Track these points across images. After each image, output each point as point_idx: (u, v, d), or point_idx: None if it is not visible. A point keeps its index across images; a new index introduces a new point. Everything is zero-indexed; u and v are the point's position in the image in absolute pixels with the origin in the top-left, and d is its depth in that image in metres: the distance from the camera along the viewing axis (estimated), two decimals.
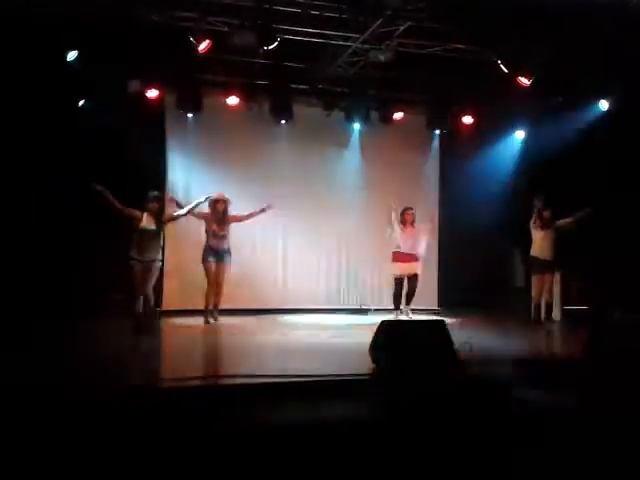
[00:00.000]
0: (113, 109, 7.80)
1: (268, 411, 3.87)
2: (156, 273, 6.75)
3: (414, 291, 8.52)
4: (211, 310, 7.76)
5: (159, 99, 8.51)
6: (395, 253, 8.43)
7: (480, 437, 3.41)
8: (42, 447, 3.05)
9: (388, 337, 4.76)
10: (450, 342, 4.81)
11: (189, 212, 7.27)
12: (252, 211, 7.97)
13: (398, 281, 8.48)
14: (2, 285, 7.14)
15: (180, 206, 7.50)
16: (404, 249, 8.37)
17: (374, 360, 4.75)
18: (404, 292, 8.54)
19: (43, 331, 6.43)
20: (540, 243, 8.00)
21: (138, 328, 6.42)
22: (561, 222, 7.97)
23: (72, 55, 7.37)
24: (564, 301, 8.67)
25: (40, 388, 3.78)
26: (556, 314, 8.39)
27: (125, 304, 7.01)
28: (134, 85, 8.19)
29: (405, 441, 3.39)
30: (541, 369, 4.84)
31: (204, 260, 7.65)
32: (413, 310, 8.64)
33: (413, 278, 8.47)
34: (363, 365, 4.75)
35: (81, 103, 8.04)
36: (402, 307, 8.52)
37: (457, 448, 3.29)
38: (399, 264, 8.41)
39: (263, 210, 7.92)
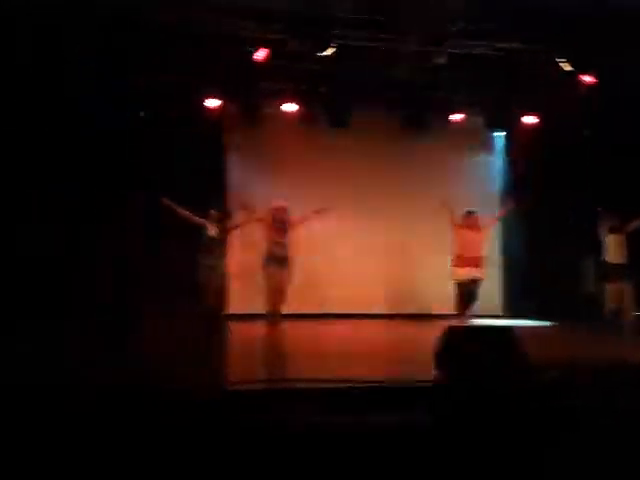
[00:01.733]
0: (174, 119, 8.01)
1: (329, 417, 3.85)
2: (221, 277, 6.89)
3: (476, 296, 8.33)
4: (273, 314, 7.83)
5: (219, 108, 8.66)
6: (457, 257, 8.26)
7: (548, 447, 3.28)
8: (112, 446, 3.12)
9: (452, 343, 4.65)
10: (518, 349, 4.66)
11: (252, 219, 7.36)
12: (305, 214, 7.93)
13: (460, 286, 8.30)
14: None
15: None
16: (466, 253, 8.20)
17: (437, 366, 4.66)
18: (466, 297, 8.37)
19: (110, 331, 6.64)
20: (612, 248, 7.73)
21: (205, 330, 6.58)
22: (633, 224, 7.69)
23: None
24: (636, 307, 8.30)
25: (107, 388, 3.88)
26: (627, 320, 8.05)
27: (193, 307, 7.17)
28: (193, 95, 8.38)
29: (469, 449, 3.31)
30: (614, 377, 4.64)
31: (265, 267, 7.73)
32: (475, 316, 8.45)
33: (475, 283, 8.28)
34: (426, 372, 4.67)
35: (142, 114, 8.27)
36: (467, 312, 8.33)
37: (524, 457, 3.19)
38: (461, 268, 8.24)
39: (317, 212, 7.89)
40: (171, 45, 7.29)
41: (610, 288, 7.78)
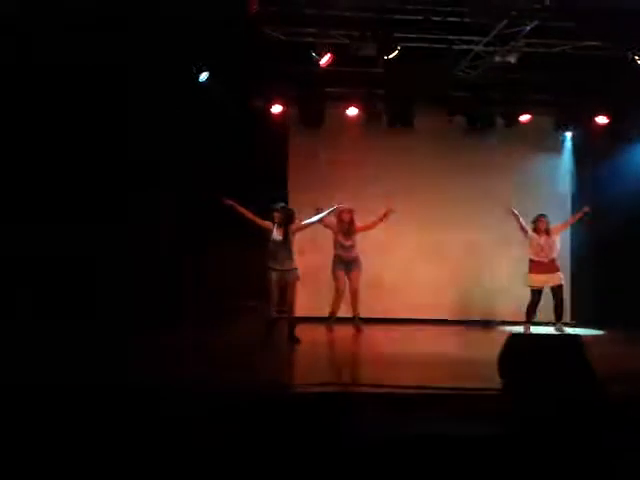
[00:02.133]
0: (240, 125, 8.19)
1: (394, 423, 3.86)
2: (295, 282, 6.95)
3: (561, 303, 8.09)
4: (333, 318, 7.89)
5: (283, 114, 8.77)
6: (532, 262, 8.05)
7: (615, 458, 3.18)
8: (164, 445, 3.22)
9: (516, 351, 4.56)
10: (586, 359, 4.52)
11: (317, 222, 7.42)
12: (375, 219, 7.97)
13: (534, 292, 8.08)
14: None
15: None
16: (539, 258, 7.98)
17: (502, 375, 4.57)
18: (551, 305, 8.17)
19: (172, 333, 6.84)
20: None
21: (271, 334, 6.70)
22: None
23: (204, 76, 7.78)
24: None
25: (170, 389, 4.01)
26: None
27: (260, 310, 7.29)
28: (258, 101, 8.53)
29: (534, 458, 3.25)
30: None
31: (334, 270, 7.85)
32: (544, 324, 8.21)
33: (557, 289, 8.04)
34: (492, 379, 4.60)
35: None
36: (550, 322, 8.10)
37: (588, 469, 3.10)
38: (535, 275, 8.02)
39: (385, 215, 7.87)
40: (238, 51, 7.42)
41: None
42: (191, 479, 3.07)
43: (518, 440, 3.53)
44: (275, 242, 6.87)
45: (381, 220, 7.94)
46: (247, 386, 4.40)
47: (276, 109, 8.66)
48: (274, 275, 6.83)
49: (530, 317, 8.09)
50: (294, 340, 6.79)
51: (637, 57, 7.28)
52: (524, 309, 8.21)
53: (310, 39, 7.38)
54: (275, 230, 6.93)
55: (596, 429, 3.57)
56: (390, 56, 7.30)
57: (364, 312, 8.30)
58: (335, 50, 7.34)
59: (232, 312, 8.06)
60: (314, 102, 8.73)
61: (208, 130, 8.26)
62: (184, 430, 3.40)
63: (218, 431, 3.40)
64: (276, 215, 6.98)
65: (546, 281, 7.99)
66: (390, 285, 9.25)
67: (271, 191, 8.37)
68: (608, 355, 5.30)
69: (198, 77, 7.74)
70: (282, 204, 7.22)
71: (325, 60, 7.34)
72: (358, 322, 7.89)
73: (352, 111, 8.86)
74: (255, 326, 7.08)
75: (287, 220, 6.95)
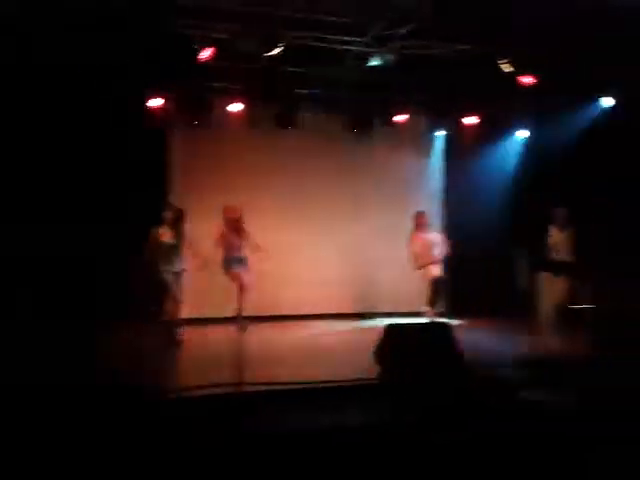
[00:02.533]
0: (116, 118, 7.90)
1: (276, 417, 3.91)
2: (182, 283, 6.84)
3: (439, 293, 8.45)
4: (239, 317, 7.87)
5: (162, 108, 8.54)
6: (424, 256, 8.34)
7: (483, 436, 3.42)
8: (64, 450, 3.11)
9: (393, 340, 4.78)
10: (455, 344, 4.82)
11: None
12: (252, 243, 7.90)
13: (433, 282, 8.40)
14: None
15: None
16: (428, 253, 8.32)
17: (379, 363, 4.77)
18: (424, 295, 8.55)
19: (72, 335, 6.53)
20: (558, 245, 8.01)
21: (171, 337, 6.54)
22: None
23: None
24: (572, 301, 8.63)
25: (63, 389, 3.86)
26: (562, 314, 8.37)
27: (155, 314, 7.11)
28: (136, 95, 8.26)
29: (409, 442, 3.41)
30: (550, 370, 4.84)
31: (227, 269, 7.74)
32: (415, 314, 8.61)
33: (436, 281, 8.41)
34: (369, 369, 4.77)
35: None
36: (425, 310, 8.44)
37: (461, 447, 3.30)
38: (425, 267, 8.35)
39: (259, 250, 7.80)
40: (117, 42, 7.16)
41: (550, 284, 8.06)
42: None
43: (396, 428, 3.70)
44: (165, 245, 6.72)
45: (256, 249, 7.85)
46: (139, 389, 4.30)
47: (156, 103, 8.41)
48: (169, 277, 6.69)
49: (433, 305, 8.40)
50: (176, 342, 6.67)
51: (501, 61, 7.80)
52: (408, 300, 8.54)
53: (192, 32, 7.24)
54: (164, 233, 6.76)
55: (464, 414, 3.81)
56: (272, 53, 7.32)
57: (253, 310, 8.33)
58: (217, 45, 7.26)
59: (130, 316, 7.81)
60: (195, 96, 8.56)
61: (77, 123, 7.91)
62: (78, 434, 3.29)
63: (113, 435, 3.32)
64: (166, 215, 6.82)
65: (434, 271, 8.35)
66: (278, 282, 9.29)
67: (149, 192, 8.16)
68: (475, 342, 5.68)
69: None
70: (170, 204, 7.08)
71: (207, 54, 7.23)
72: (243, 321, 7.85)
73: (236, 107, 8.81)
74: (154, 329, 6.90)
75: (176, 219, 6.79)
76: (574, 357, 5.71)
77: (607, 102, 8.77)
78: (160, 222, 6.86)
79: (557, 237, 8.03)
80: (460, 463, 3.19)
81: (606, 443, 3.30)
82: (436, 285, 8.27)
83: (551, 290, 8.05)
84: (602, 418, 3.65)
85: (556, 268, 8.08)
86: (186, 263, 6.99)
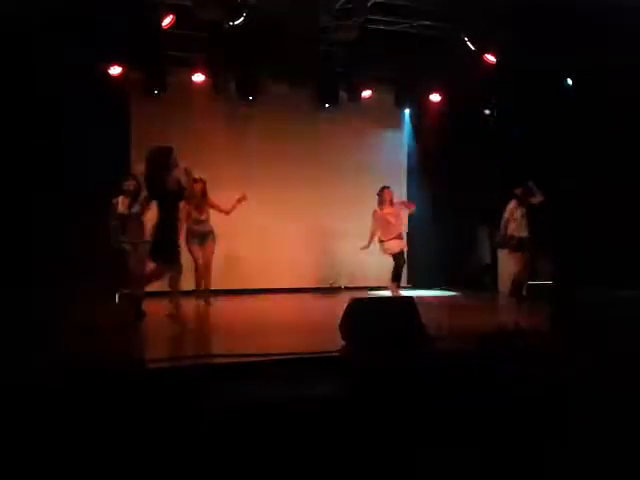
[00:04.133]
0: (74, 87, 7.61)
1: (242, 389, 3.89)
2: (145, 255, 6.64)
3: (401, 268, 8.46)
4: (201, 291, 7.74)
5: (122, 76, 8.28)
6: (386, 231, 8.32)
7: (447, 410, 3.44)
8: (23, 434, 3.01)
9: (358, 314, 4.77)
10: (418, 318, 4.84)
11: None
12: (227, 207, 7.74)
13: (396, 257, 8.30)
14: None
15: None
16: (391, 228, 8.29)
17: (344, 337, 4.76)
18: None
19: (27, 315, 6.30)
20: (517, 221, 8.12)
21: (136, 311, 6.39)
22: (534, 200, 8.11)
23: None
24: (532, 277, 8.80)
25: (26, 374, 3.74)
26: (522, 290, 8.53)
27: (116, 288, 6.93)
28: (96, 62, 7.98)
29: (373, 416, 3.41)
30: (509, 343, 4.90)
31: (188, 243, 7.59)
32: (380, 288, 8.64)
33: (400, 255, 8.42)
34: (334, 342, 4.77)
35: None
36: (390, 286, 8.46)
37: (424, 421, 3.32)
38: (393, 241, 8.29)
39: (240, 200, 7.68)
40: (73, 8, 6.88)
41: (509, 259, 8.20)
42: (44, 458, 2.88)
43: (358, 399, 3.70)
44: (124, 216, 6.53)
45: (234, 207, 7.71)
46: (101, 362, 4.20)
47: (115, 71, 8.14)
48: (129, 249, 6.52)
49: (396, 279, 8.37)
50: (140, 315, 6.52)
51: (467, 39, 7.79)
52: (372, 275, 8.56)
53: None
54: (122, 203, 6.56)
55: (427, 387, 3.82)
56: (235, 22, 7.15)
57: (220, 284, 8.25)
58: (178, 12, 7.05)
59: (89, 292, 7.60)
60: (155, 65, 8.32)
61: (32, 90, 7.60)
62: (40, 408, 3.18)
63: (74, 411, 3.22)
64: (125, 184, 6.62)
65: (398, 246, 8.35)
66: (245, 256, 9.25)
67: (109, 160, 7.93)
68: (436, 315, 5.74)
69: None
70: (130, 174, 6.88)
71: (167, 22, 7.02)
72: (208, 295, 7.76)
73: (198, 77, 8.60)
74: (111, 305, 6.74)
75: (136, 190, 6.61)
76: (528, 331, 5.80)
77: (569, 82, 8.85)
78: (120, 192, 6.65)
79: (514, 214, 8.13)
80: (419, 436, 3.20)
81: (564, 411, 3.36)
82: (398, 260, 8.29)
83: (508, 265, 8.19)
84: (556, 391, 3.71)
85: (513, 244, 8.20)
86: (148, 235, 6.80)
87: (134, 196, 6.59)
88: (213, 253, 7.77)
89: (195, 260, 7.65)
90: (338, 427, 3.25)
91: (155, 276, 6.16)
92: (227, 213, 7.73)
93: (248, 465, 2.94)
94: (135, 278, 6.59)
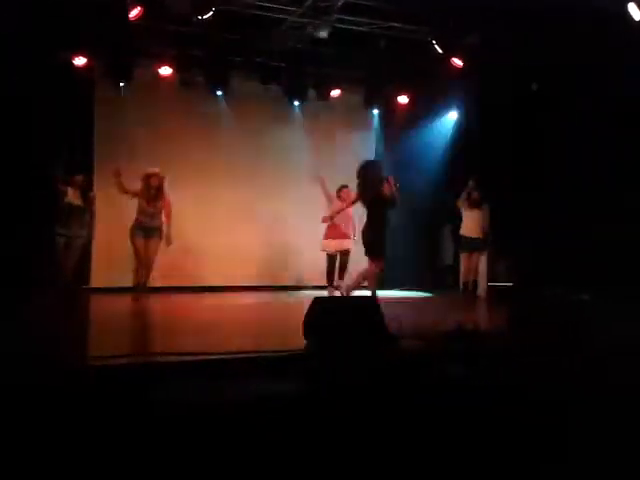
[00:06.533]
0: (38, 78, 7.43)
1: (202, 389, 3.84)
2: (79, 250, 6.49)
3: (346, 266, 8.55)
4: (141, 287, 7.57)
5: (88, 67, 8.13)
6: (328, 229, 8.42)
7: (408, 409, 3.47)
8: None
9: (320, 313, 4.78)
10: (381, 318, 4.87)
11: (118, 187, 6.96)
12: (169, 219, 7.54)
13: (330, 257, 8.50)
14: None
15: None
16: (336, 226, 8.35)
17: (306, 336, 4.76)
18: (337, 268, 8.57)
19: None
20: (469, 222, 8.26)
21: (63, 306, 6.23)
22: (485, 218, 8.29)
23: None
24: (490, 278, 8.95)
25: None
26: (481, 290, 8.68)
27: (49, 279, 6.72)
28: (61, 52, 7.82)
29: (336, 416, 3.43)
30: (467, 344, 4.97)
31: (132, 237, 7.38)
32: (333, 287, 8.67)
33: (345, 253, 8.50)
34: (296, 342, 4.76)
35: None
36: (335, 283, 8.52)
37: (386, 421, 3.35)
38: (331, 240, 8.42)
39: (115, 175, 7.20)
40: None
41: (466, 260, 8.34)
42: None
43: (321, 399, 3.71)
44: (70, 207, 6.38)
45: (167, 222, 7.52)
46: (47, 360, 4.10)
47: (80, 61, 7.97)
48: (62, 241, 6.37)
49: (331, 280, 8.48)
50: (80, 309, 6.37)
51: (435, 41, 7.88)
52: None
53: None
54: (71, 194, 6.41)
55: (386, 387, 3.86)
56: (205, 16, 7.10)
57: (175, 280, 8.16)
58: (147, 4, 6.95)
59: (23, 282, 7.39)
60: (122, 57, 8.18)
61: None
62: None
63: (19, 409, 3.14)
64: (75, 178, 6.48)
65: (338, 246, 8.42)
66: (201, 253, 9.17)
67: (72, 152, 7.77)
68: (397, 315, 5.78)
69: None
70: (85, 166, 6.75)
71: (135, 13, 6.92)
72: (144, 291, 7.50)
73: (165, 70, 8.49)
74: (46, 300, 6.55)
75: (86, 184, 6.48)
76: (488, 332, 5.90)
77: (534, 86, 9.01)
78: (68, 183, 6.49)
79: (470, 216, 8.29)
80: (380, 435, 3.23)
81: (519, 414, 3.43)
82: (341, 259, 8.41)
83: (467, 266, 8.33)
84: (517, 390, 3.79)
85: (469, 245, 8.34)
86: (93, 230, 6.67)
87: (83, 190, 6.46)
88: (157, 249, 7.50)
89: (136, 255, 7.42)
90: (298, 426, 3.26)
91: (372, 272, 6.77)
92: (165, 209, 7.49)
93: (200, 464, 2.92)
94: (64, 271, 6.43)
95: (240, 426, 3.20)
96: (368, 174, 6.77)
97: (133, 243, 7.36)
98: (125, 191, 7.25)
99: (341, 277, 8.57)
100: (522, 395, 3.73)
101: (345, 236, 8.43)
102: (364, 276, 6.91)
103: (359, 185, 6.87)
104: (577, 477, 2.85)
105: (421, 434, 3.26)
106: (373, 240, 6.69)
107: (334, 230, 8.38)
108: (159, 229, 7.46)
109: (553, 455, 3.01)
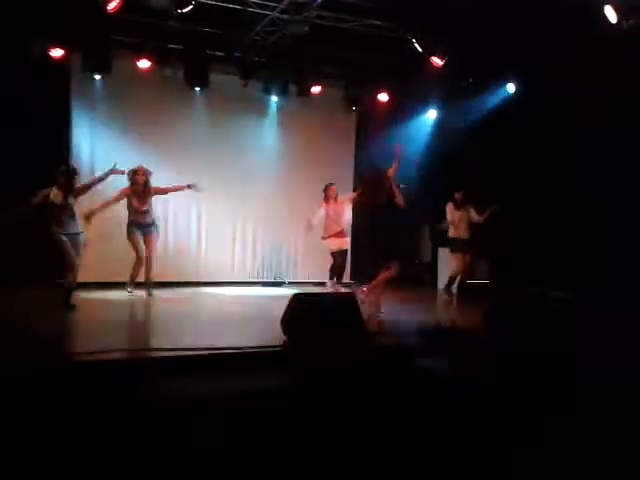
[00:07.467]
0: (12, 71, 7.30)
1: (184, 383, 3.85)
2: (82, 246, 6.46)
3: (342, 267, 8.52)
4: (140, 282, 7.61)
5: (64, 59, 8.00)
6: (328, 229, 8.32)
7: (386, 404, 3.50)
8: None
9: (299, 310, 4.79)
10: (359, 314, 4.90)
11: (96, 183, 6.89)
12: (177, 185, 7.76)
13: (339, 254, 8.35)
14: None
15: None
16: (332, 225, 8.32)
17: (285, 332, 4.77)
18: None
19: None
20: (459, 224, 8.35)
21: (66, 302, 6.20)
22: (473, 214, 8.34)
23: None
24: (470, 276, 9.02)
25: None
26: (460, 288, 8.74)
27: (54, 279, 6.68)
28: (37, 44, 7.68)
29: (314, 411, 3.44)
30: (445, 339, 5.02)
31: (130, 234, 7.47)
32: (322, 284, 8.68)
33: (345, 253, 8.46)
34: (276, 337, 4.77)
35: None
36: (327, 282, 8.50)
37: (365, 416, 3.37)
38: (334, 239, 8.31)
39: (189, 187, 7.69)
40: None
41: (460, 260, 8.42)
42: None
43: (300, 394, 3.72)
44: (55, 206, 6.31)
45: (181, 188, 7.72)
46: (30, 355, 4.07)
47: (56, 53, 7.83)
48: (63, 239, 6.32)
49: (340, 275, 8.42)
50: (69, 307, 6.34)
51: (414, 40, 7.91)
52: (315, 271, 8.60)
53: None
54: (55, 194, 6.33)
55: (367, 381, 3.88)
56: (184, 10, 7.05)
57: (164, 276, 8.12)
58: None
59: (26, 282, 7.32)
60: (99, 49, 8.04)
61: None
62: None
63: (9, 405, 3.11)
64: (59, 178, 6.40)
65: (339, 245, 8.40)
66: (181, 248, 9.14)
67: (48, 148, 7.65)
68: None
69: None
70: (64, 167, 6.63)
71: (113, 5, 6.82)
72: (151, 288, 7.64)
73: (144, 64, 8.39)
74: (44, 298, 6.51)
75: (69, 183, 6.39)
76: (467, 328, 5.96)
77: (510, 88, 9.09)
78: (53, 182, 6.42)
79: (454, 215, 8.38)
80: (357, 428, 3.25)
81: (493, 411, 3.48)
82: (336, 258, 8.37)
83: (459, 266, 8.41)
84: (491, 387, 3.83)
85: (453, 244, 8.42)
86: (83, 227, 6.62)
87: (67, 188, 6.38)
88: (155, 245, 7.69)
89: (135, 252, 7.54)
90: (279, 421, 3.27)
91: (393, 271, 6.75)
92: (164, 192, 7.72)
93: (185, 460, 2.92)
94: (71, 269, 6.40)
95: (227, 420, 3.21)
96: (373, 181, 6.83)
97: (131, 241, 7.46)
98: (114, 201, 7.37)
99: (340, 278, 8.52)
100: (498, 389, 3.78)
101: (341, 235, 8.41)
102: (384, 282, 6.83)
103: (369, 191, 6.85)
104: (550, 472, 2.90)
105: (399, 427, 3.29)
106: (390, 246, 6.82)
107: (333, 229, 8.31)
108: (154, 224, 7.66)
109: (530, 452, 3.06)
